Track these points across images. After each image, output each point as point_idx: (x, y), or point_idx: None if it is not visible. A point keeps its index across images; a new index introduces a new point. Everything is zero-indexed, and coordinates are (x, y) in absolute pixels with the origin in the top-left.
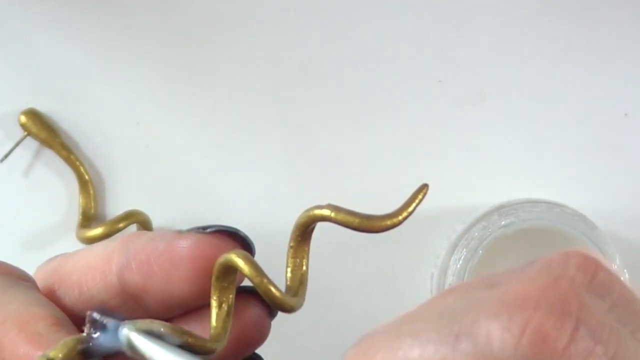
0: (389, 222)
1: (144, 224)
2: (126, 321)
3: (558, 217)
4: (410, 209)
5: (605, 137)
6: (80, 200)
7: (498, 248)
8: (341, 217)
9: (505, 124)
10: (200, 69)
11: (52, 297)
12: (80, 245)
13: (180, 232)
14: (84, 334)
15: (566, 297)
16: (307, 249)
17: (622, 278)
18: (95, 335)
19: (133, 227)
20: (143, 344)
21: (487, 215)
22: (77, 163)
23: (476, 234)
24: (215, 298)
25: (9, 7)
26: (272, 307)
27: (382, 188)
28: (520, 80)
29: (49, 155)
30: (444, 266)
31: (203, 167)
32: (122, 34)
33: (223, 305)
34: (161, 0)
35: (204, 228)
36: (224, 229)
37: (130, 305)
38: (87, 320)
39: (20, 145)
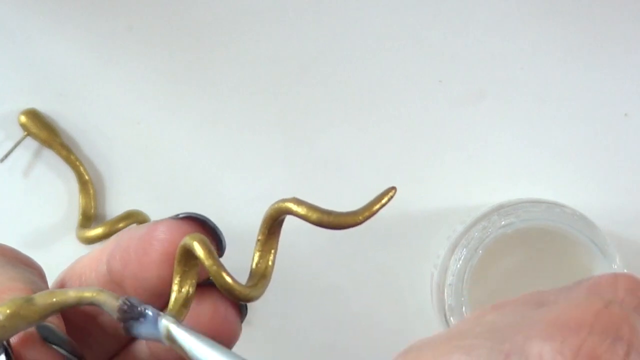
0: (349, 221)
1: (144, 224)
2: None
3: (558, 217)
4: (373, 210)
5: (605, 137)
6: (80, 200)
7: (498, 248)
8: (301, 210)
9: (505, 124)
10: (201, 69)
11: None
12: (81, 245)
13: (159, 220)
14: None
15: (618, 322)
16: (275, 243)
17: None
18: (133, 322)
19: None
20: (182, 335)
21: (487, 215)
22: (77, 163)
23: (476, 234)
24: (176, 282)
25: (9, 7)
26: (223, 293)
27: (382, 188)
28: (520, 80)
29: (49, 155)
30: (444, 266)
31: (203, 167)
32: (122, 34)
33: (183, 290)
34: (162, 1)
35: (177, 215)
36: (194, 215)
37: (118, 293)
38: (123, 303)
39: (20, 145)
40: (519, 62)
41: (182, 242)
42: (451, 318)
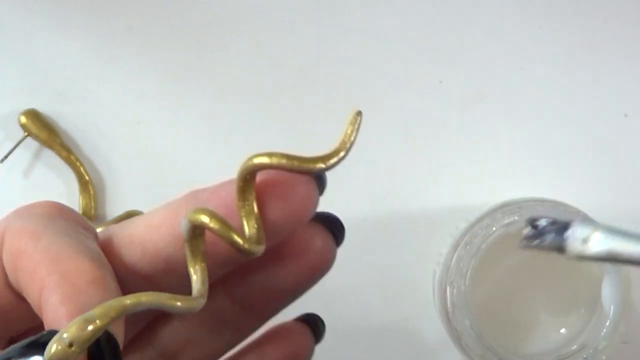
0: (317, 165)
1: None
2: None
3: (561, 216)
4: (349, 142)
5: (605, 137)
6: (80, 200)
7: (501, 246)
8: (275, 160)
9: (506, 124)
10: (201, 69)
11: (111, 257)
12: None
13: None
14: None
15: None
16: (252, 196)
17: None
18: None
19: None
20: (610, 234)
21: (490, 213)
22: (77, 163)
23: (479, 232)
24: (193, 264)
25: (9, 7)
26: (241, 254)
27: (382, 188)
28: (521, 80)
29: (49, 155)
30: (447, 264)
31: (203, 167)
32: (122, 34)
33: (197, 267)
34: (161, 1)
35: None
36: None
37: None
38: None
39: (21, 145)
40: (519, 63)
41: (188, 219)
42: (453, 316)
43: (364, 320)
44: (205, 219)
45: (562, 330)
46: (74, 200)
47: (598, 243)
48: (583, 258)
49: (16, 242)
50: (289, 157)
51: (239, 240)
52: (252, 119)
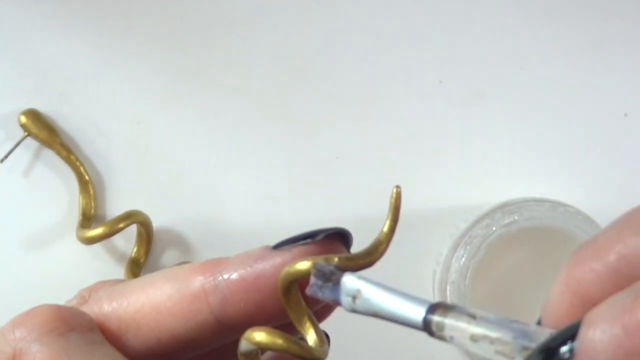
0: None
1: (144, 224)
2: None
3: (561, 216)
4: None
5: (605, 137)
6: (80, 200)
7: (501, 246)
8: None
9: (505, 124)
10: (201, 69)
11: (119, 345)
12: (81, 245)
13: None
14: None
15: None
16: (298, 293)
17: None
18: (326, 286)
19: (133, 227)
20: (372, 292)
21: (490, 213)
22: (77, 163)
23: (479, 231)
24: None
25: (9, 7)
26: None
27: (382, 188)
28: (521, 80)
29: (49, 155)
30: (447, 264)
31: (203, 167)
32: (122, 34)
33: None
34: (161, 1)
35: (295, 239)
36: (329, 232)
37: (226, 334)
38: (314, 272)
39: (20, 145)
40: (519, 62)
41: (248, 340)
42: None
43: (364, 320)
44: (270, 340)
45: None
46: (74, 200)
47: (363, 302)
48: (356, 313)
49: None
50: (329, 259)
51: (308, 354)
52: (252, 119)
